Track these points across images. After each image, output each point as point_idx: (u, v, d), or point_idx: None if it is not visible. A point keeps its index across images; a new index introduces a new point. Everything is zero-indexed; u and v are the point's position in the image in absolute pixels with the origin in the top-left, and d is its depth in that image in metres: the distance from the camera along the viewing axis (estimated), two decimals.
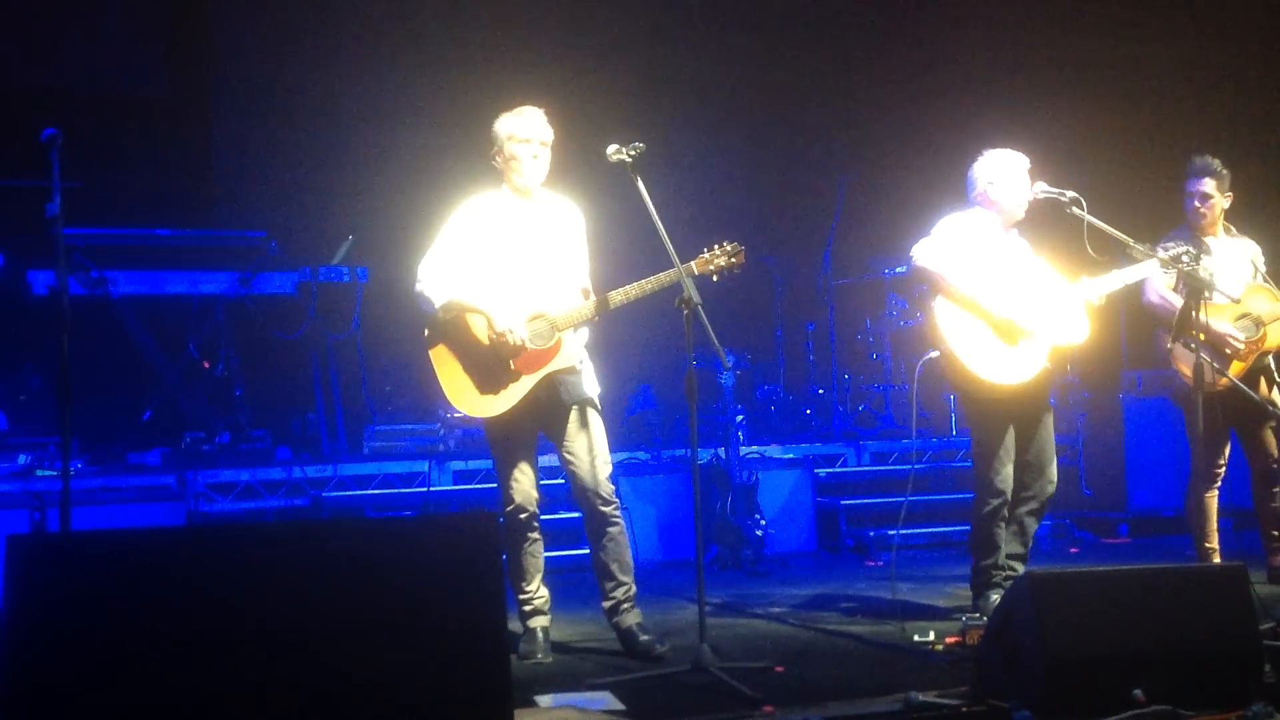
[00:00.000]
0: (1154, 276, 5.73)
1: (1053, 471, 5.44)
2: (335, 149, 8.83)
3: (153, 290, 7.81)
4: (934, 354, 5.40)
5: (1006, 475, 5.36)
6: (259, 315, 7.83)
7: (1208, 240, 5.88)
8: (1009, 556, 5.40)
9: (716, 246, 4.75)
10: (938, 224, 5.40)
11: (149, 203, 8.28)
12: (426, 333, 4.87)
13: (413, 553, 2.85)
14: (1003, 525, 5.39)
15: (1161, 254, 5.27)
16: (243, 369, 7.90)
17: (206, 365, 7.87)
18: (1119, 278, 5.37)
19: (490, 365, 4.76)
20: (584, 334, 4.91)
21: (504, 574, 3.01)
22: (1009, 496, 5.38)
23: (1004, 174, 5.38)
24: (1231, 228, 6.04)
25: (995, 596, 5.29)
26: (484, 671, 2.82)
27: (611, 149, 4.64)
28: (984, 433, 5.41)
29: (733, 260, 4.73)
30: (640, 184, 4.59)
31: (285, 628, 2.73)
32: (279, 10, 8.93)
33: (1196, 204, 5.93)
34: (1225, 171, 5.93)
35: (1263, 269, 5.98)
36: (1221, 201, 5.93)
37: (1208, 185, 5.90)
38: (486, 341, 4.75)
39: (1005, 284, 5.31)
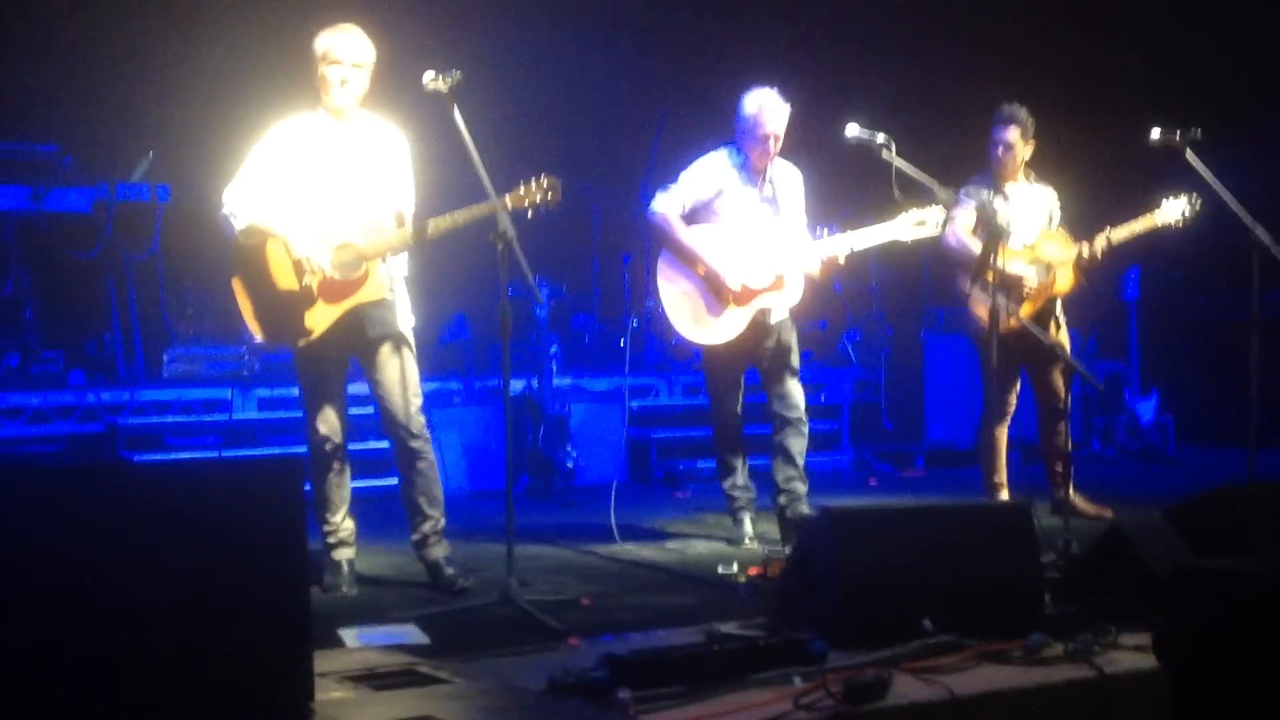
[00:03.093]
0: (956, 219, 5.91)
1: (797, 397, 5.63)
2: (135, 56, 8.37)
3: None
4: (652, 303, 5.60)
5: (728, 407, 5.70)
6: (51, 233, 7.42)
7: (1008, 186, 6.09)
8: (786, 479, 5.61)
9: (533, 180, 4.64)
10: (684, 171, 5.58)
11: None
12: (230, 258, 4.71)
13: (213, 497, 2.78)
14: (734, 450, 5.72)
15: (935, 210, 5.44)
16: (34, 289, 7.49)
17: None
18: (863, 237, 5.52)
19: (290, 296, 4.61)
20: (400, 265, 4.79)
21: (306, 513, 2.94)
22: (727, 429, 5.72)
23: (758, 113, 5.48)
24: (1032, 173, 6.22)
25: (746, 518, 5.70)
26: (283, 619, 2.79)
27: (427, 76, 4.52)
28: (707, 380, 5.87)
29: (549, 195, 4.63)
30: (456, 114, 4.50)
31: (77, 574, 2.63)
32: None
33: (999, 151, 6.10)
34: (1030, 120, 6.09)
35: (1058, 216, 6.23)
36: (1023, 150, 6.11)
37: (1011, 134, 6.07)
38: (286, 271, 4.61)
39: (735, 236, 5.49)
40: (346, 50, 4.68)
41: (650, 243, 8.60)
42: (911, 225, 5.46)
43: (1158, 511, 4.51)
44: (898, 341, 9.05)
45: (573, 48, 9.49)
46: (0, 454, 6.67)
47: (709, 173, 5.56)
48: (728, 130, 5.65)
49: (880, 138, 5.36)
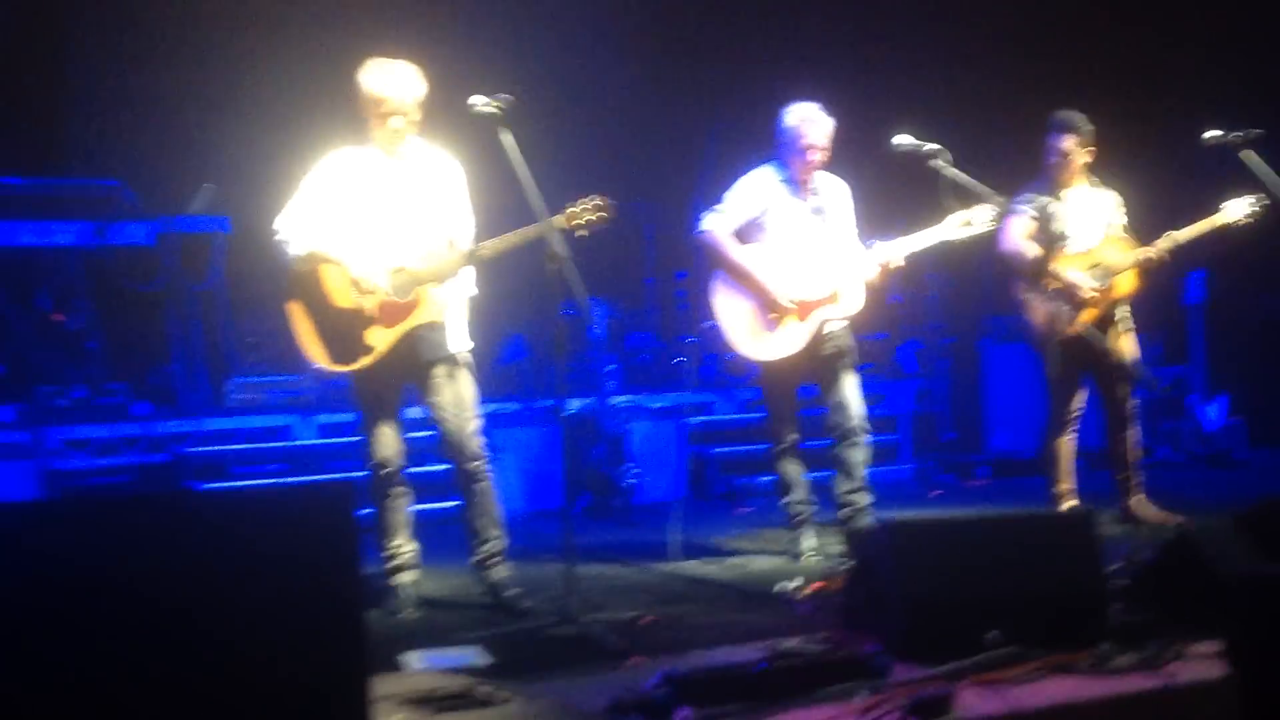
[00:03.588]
0: (1011, 225, 5.85)
1: (856, 407, 5.58)
2: (192, 93, 8.52)
3: (1, 242, 7.49)
4: (710, 324, 5.59)
5: (787, 422, 5.69)
6: (114, 267, 7.57)
7: (1067, 191, 6.01)
8: (847, 492, 5.58)
9: (583, 200, 4.63)
10: (729, 191, 5.58)
11: None
12: (285, 285, 4.77)
13: (266, 523, 2.80)
14: (794, 465, 5.70)
15: (990, 213, 5.40)
16: (98, 322, 7.63)
17: (59, 318, 7.59)
18: (915, 241, 5.48)
19: (348, 319, 4.67)
20: (457, 288, 4.81)
21: (359, 537, 2.96)
22: (785, 444, 5.69)
23: (799, 127, 5.48)
24: (1094, 178, 6.13)
25: (807, 533, 5.66)
26: (338, 641, 2.80)
27: (478, 101, 4.54)
28: (763, 391, 5.84)
29: (600, 214, 4.61)
30: (508, 137, 4.52)
31: (134, 602, 2.66)
32: None
33: (1055, 159, 6.02)
34: (1087, 127, 6.00)
35: (1121, 220, 6.13)
36: (1080, 156, 6.01)
37: (1067, 141, 5.98)
38: (344, 293, 4.66)
39: (787, 251, 5.49)
40: (400, 97, 4.66)
41: (702, 262, 8.66)
42: (959, 225, 5.42)
43: (1227, 517, 4.42)
44: (957, 351, 8.97)
45: (622, 67, 9.52)
46: (66, 486, 6.77)
47: (755, 190, 5.56)
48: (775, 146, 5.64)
49: (929, 147, 5.34)
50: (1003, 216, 5.57)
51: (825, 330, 5.52)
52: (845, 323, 5.58)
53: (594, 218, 4.62)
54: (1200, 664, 3.56)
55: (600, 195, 4.63)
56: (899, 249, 5.48)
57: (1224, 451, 8.39)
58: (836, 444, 5.60)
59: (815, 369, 5.61)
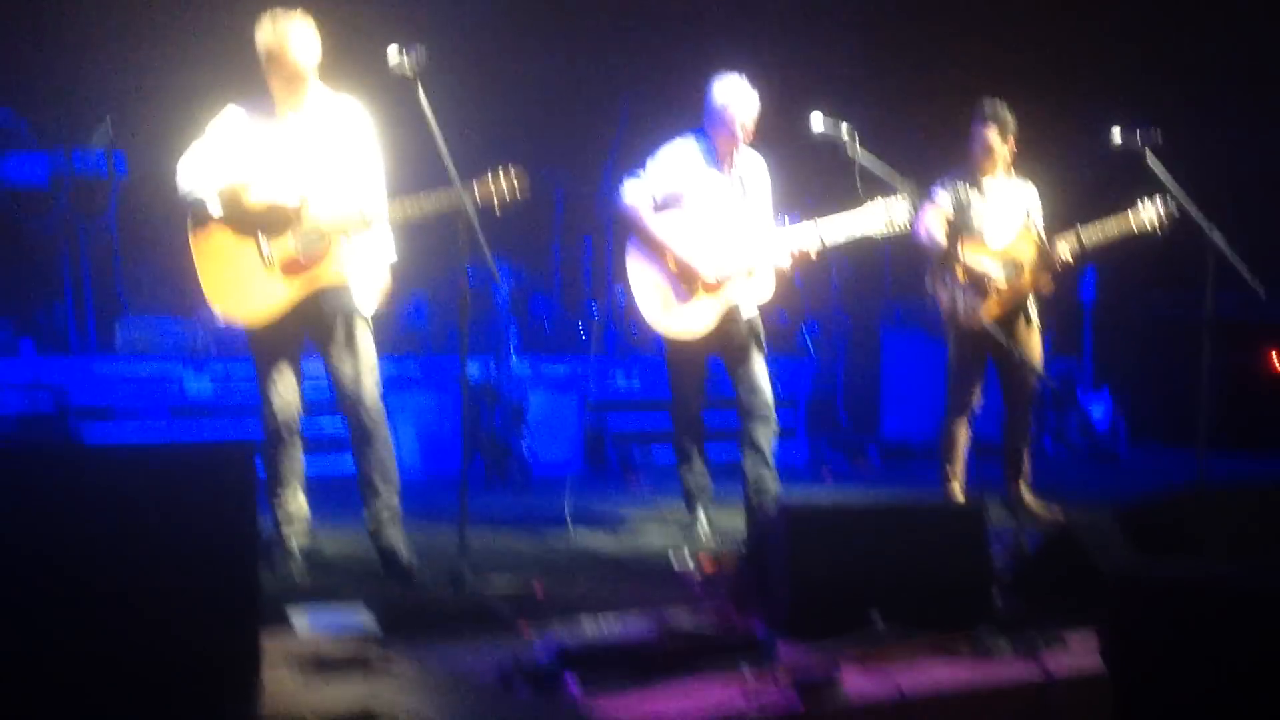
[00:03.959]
0: (925, 212, 5.92)
1: (767, 388, 5.58)
2: (93, 21, 8.23)
3: None
4: (620, 289, 5.56)
5: (689, 404, 5.69)
6: (5, 199, 7.32)
7: (985, 180, 6.06)
8: (758, 477, 5.56)
9: (499, 171, 4.56)
10: (651, 159, 5.52)
11: None
12: (190, 221, 4.62)
13: (162, 481, 2.76)
14: (691, 438, 5.71)
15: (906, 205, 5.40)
16: None
17: None
18: (832, 229, 5.41)
19: (255, 266, 4.57)
20: (367, 247, 4.71)
21: (257, 501, 2.92)
22: (687, 420, 5.70)
23: (729, 101, 5.44)
24: (1012, 169, 6.16)
25: (701, 510, 5.67)
26: (231, 600, 2.77)
27: (392, 51, 4.46)
28: (670, 370, 5.76)
29: (515, 188, 4.57)
30: (422, 95, 4.45)
31: (23, 556, 2.59)
32: None
33: (978, 148, 6.06)
34: (1010, 119, 6.05)
35: (1038, 213, 6.20)
36: (1002, 148, 6.06)
37: (991, 132, 6.03)
38: (249, 242, 4.56)
39: (705, 224, 5.44)
40: (292, 54, 4.52)
41: (615, 229, 8.63)
42: (881, 219, 5.40)
43: (1108, 512, 4.54)
44: (855, 335, 9.07)
45: (535, 32, 9.42)
46: None
47: (677, 160, 5.52)
48: (691, 116, 5.62)
49: (845, 129, 5.33)
50: (916, 207, 5.59)
51: (738, 309, 5.51)
52: (755, 308, 5.56)
53: (509, 191, 4.57)
54: (1076, 654, 3.67)
55: (515, 167, 4.58)
56: (814, 234, 5.42)
57: (1108, 446, 8.61)
58: (746, 424, 5.58)
59: (723, 346, 5.58)
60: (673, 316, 5.48)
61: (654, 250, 5.48)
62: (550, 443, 7.51)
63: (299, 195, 4.57)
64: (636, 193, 5.49)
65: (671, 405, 5.82)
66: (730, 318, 5.49)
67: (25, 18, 8.09)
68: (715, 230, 5.47)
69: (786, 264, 5.48)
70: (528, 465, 7.12)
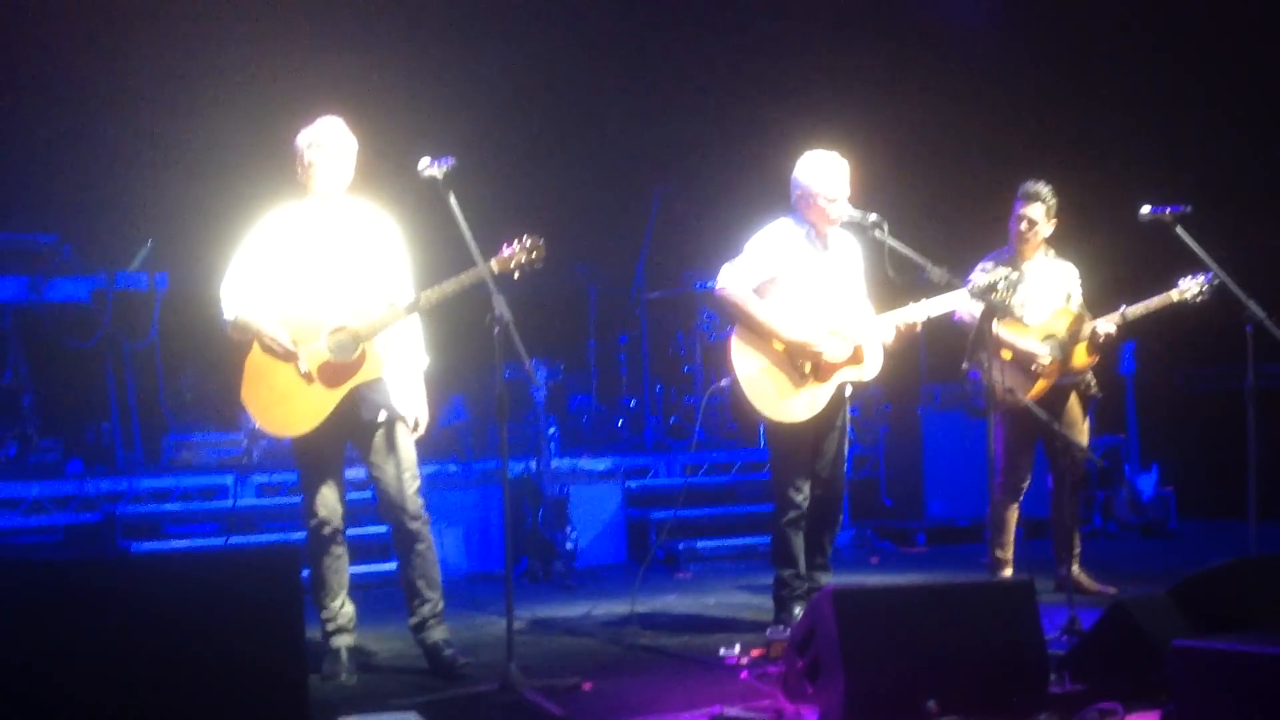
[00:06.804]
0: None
1: (840, 485, 5.53)
2: (132, 146, 8.45)
3: None
4: (726, 382, 5.46)
5: (802, 488, 5.42)
6: (50, 322, 7.45)
7: (1026, 263, 6.00)
8: (811, 567, 5.49)
9: (516, 241, 4.60)
10: (749, 242, 5.41)
11: None
12: (235, 346, 4.76)
13: (209, 587, 2.77)
14: (801, 537, 5.46)
15: (975, 279, 5.23)
16: (32, 378, 7.50)
17: None
18: (925, 309, 5.34)
19: (294, 382, 4.65)
20: (402, 351, 4.79)
21: (304, 601, 2.93)
22: (804, 509, 5.44)
23: (818, 177, 5.34)
24: (1052, 250, 6.16)
25: (799, 609, 5.38)
26: (280, 707, 2.76)
27: (423, 163, 4.57)
28: (777, 454, 5.53)
29: (533, 255, 4.59)
30: (452, 200, 4.54)
31: (75, 666, 2.60)
32: None
33: (1022, 228, 6.04)
34: (1053, 199, 6.05)
35: (1078, 293, 6.17)
36: (1046, 227, 6.06)
37: (1034, 211, 6.02)
38: (283, 360, 4.65)
39: (812, 307, 5.31)
40: (330, 136, 4.75)
41: (712, 318, 8.64)
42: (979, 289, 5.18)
43: (1160, 589, 4.47)
44: (894, 418, 9.03)
45: (566, 130, 9.59)
46: None
47: (778, 241, 5.36)
48: (723, 209, 5.64)
49: (872, 217, 5.31)
50: (954, 286, 5.54)
51: (846, 394, 5.34)
52: (865, 380, 5.37)
53: (527, 259, 4.61)
54: None
55: (531, 236, 4.62)
56: (920, 311, 5.29)
57: (1159, 521, 8.51)
58: (817, 512, 5.43)
59: (823, 434, 5.40)
60: (786, 404, 5.27)
61: (761, 336, 5.28)
62: (593, 538, 7.49)
63: (323, 305, 4.66)
64: (737, 278, 5.31)
65: (776, 494, 5.50)
66: (840, 397, 5.36)
67: (66, 145, 8.32)
68: (821, 312, 5.31)
69: (891, 339, 5.34)
70: (572, 561, 7.10)
